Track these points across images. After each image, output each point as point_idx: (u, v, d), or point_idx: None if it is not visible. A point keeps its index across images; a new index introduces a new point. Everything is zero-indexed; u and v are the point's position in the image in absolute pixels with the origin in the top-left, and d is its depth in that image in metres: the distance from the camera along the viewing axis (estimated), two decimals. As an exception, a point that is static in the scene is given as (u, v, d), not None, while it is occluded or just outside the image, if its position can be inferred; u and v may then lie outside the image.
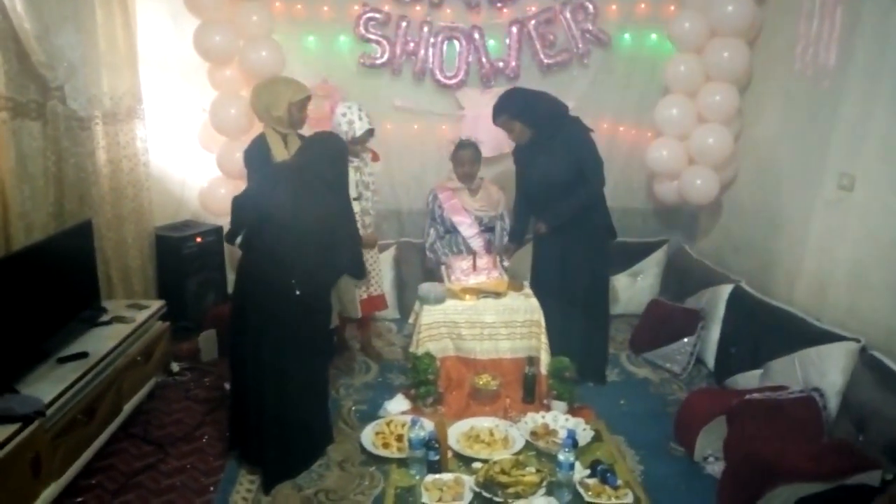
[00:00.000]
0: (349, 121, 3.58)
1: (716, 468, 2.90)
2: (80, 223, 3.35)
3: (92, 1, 3.57)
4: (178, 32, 4.15)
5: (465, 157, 4.00)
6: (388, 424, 3.17)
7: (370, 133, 3.65)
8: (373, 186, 3.77)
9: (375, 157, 3.85)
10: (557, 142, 3.55)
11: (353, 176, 3.69)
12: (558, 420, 3.22)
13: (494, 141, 4.28)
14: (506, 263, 3.77)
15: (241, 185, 4.14)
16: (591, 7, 4.38)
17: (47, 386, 2.62)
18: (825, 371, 2.97)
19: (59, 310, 3.03)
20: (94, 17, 3.59)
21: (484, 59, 4.43)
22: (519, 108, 3.58)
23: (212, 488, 2.82)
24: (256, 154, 3.49)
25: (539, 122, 3.57)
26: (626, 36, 4.51)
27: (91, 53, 3.56)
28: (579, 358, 3.55)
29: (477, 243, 4.04)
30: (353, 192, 3.71)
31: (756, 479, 2.52)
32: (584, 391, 3.61)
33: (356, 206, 3.74)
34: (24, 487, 2.37)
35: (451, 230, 4.08)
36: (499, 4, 4.38)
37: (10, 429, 2.30)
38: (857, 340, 2.94)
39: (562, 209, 3.59)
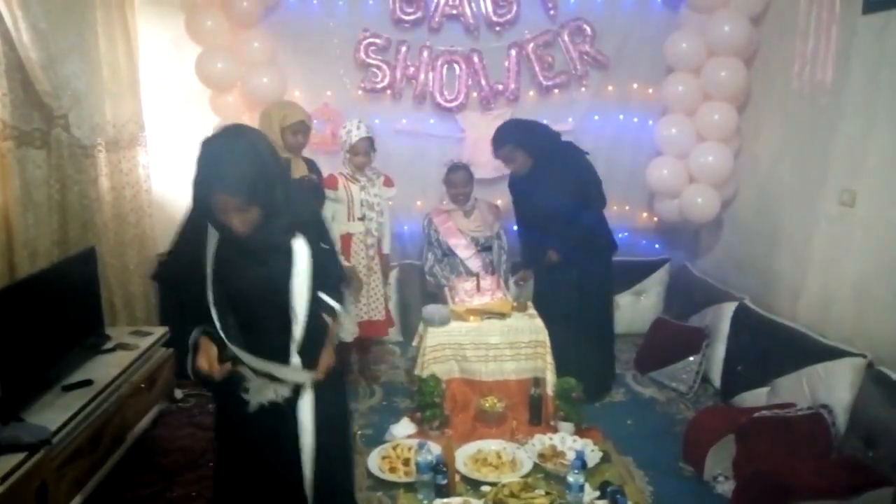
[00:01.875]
0: (348, 131, 3.68)
1: (726, 487, 2.87)
2: (83, 250, 3.35)
3: (95, 30, 3.61)
4: (180, 60, 4.19)
5: (457, 179, 4.02)
6: (394, 448, 3.15)
7: (367, 142, 3.68)
8: (378, 208, 3.79)
9: (388, 182, 3.88)
10: (557, 168, 3.60)
11: (357, 195, 3.72)
12: (566, 441, 3.20)
13: (495, 162, 4.29)
14: (522, 283, 3.88)
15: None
16: (588, 29, 4.43)
17: (53, 414, 2.60)
18: (832, 387, 2.96)
19: (64, 337, 3.02)
20: (98, 46, 3.63)
21: (483, 82, 4.47)
22: (522, 136, 3.63)
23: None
24: None
25: (540, 151, 3.62)
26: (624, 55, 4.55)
27: (94, 82, 3.59)
28: (588, 377, 3.56)
29: (475, 264, 4.04)
30: (357, 212, 3.74)
31: (767, 498, 2.51)
32: (591, 412, 3.59)
33: (360, 226, 3.76)
34: (30, 518, 2.35)
35: (449, 253, 4.08)
36: (497, 28, 4.43)
37: (17, 458, 2.28)
38: (864, 356, 2.93)
39: (571, 235, 3.62)
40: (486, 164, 4.25)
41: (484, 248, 4.12)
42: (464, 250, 4.06)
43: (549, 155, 3.63)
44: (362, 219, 3.75)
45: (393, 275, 4.57)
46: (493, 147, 3.73)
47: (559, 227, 3.63)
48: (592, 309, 3.74)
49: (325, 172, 3.83)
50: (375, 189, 3.78)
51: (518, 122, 3.79)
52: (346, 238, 3.77)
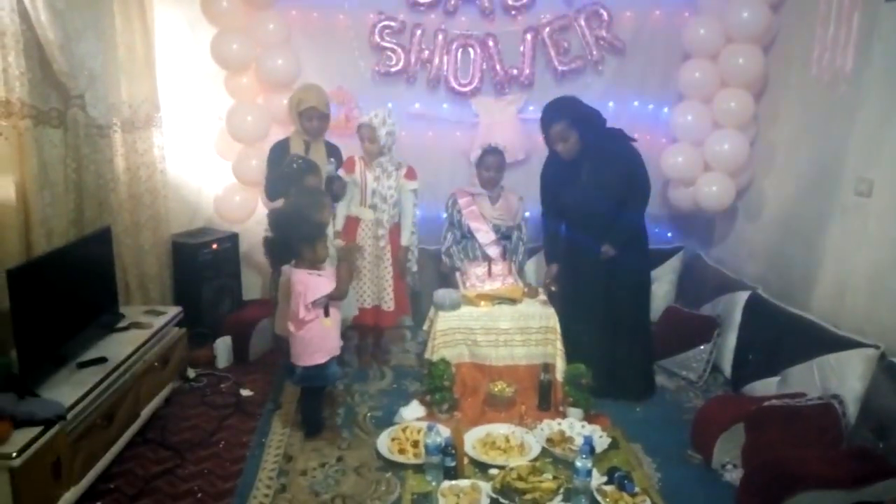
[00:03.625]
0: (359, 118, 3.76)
1: (734, 475, 2.88)
2: (99, 230, 3.39)
3: (111, 10, 3.63)
4: (196, 41, 4.20)
5: (492, 162, 3.99)
6: (403, 430, 3.17)
7: (367, 129, 3.66)
8: (392, 200, 3.74)
9: (411, 175, 3.82)
10: (606, 156, 3.43)
11: (370, 183, 3.73)
12: (574, 427, 3.22)
13: (509, 147, 4.28)
14: (553, 289, 3.73)
15: (256, 193, 4.22)
16: (605, 14, 4.39)
17: (67, 390, 2.64)
18: (844, 378, 2.95)
19: (79, 315, 3.06)
20: (114, 27, 3.65)
21: (498, 67, 4.44)
22: (579, 115, 3.42)
23: (229, 493, 2.83)
24: (275, 153, 3.75)
25: (591, 134, 3.41)
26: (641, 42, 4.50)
27: (110, 62, 3.61)
28: (625, 376, 3.58)
29: (493, 251, 4.02)
30: (367, 199, 3.74)
31: (775, 486, 2.51)
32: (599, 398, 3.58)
33: (369, 214, 3.75)
34: (45, 491, 2.39)
35: (468, 236, 4.08)
36: (513, 12, 4.40)
37: (32, 432, 2.32)
38: (877, 347, 2.91)
39: (623, 227, 3.48)
40: (500, 149, 4.24)
41: (504, 236, 4.11)
42: (484, 236, 4.04)
43: (599, 140, 3.40)
44: (373, 207, 3.75)
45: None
46: (544, 122, 3.46)
47: (605, 220, 3.45)
48: (629, 305, 3.60)
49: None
50: (391, 181, 3.73)
51: (574, 100, 3.49)
52: (354, 221, 3.80)
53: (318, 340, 3.11)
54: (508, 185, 4.19)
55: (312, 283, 3.05)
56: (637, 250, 3.61)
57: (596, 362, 3.45)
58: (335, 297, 3.11)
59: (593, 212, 3.48)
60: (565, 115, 3.40)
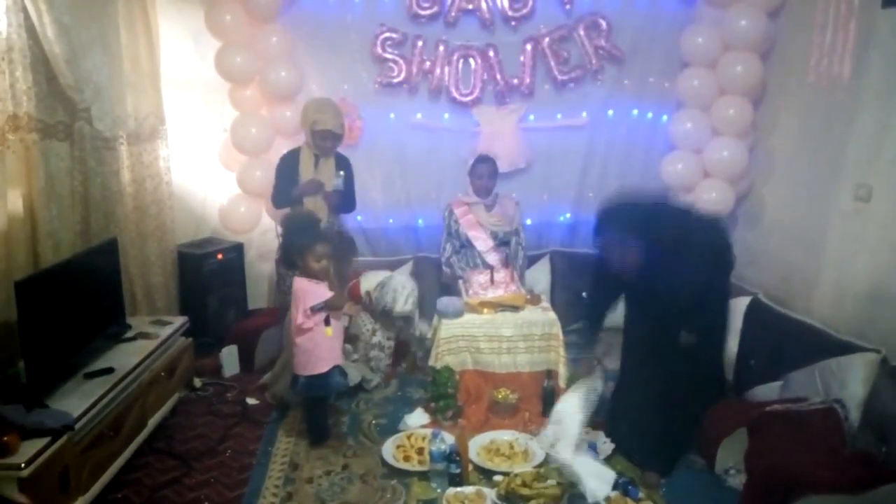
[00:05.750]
0: (394, 299, 3.81)
1: (737, 480, 2.88)
2: (105, 241, 3.42)
3: (117, 24, 3.68)
4: (200, 54, 4.24)
5: (483, 170, 4.04)
6: (408, 438, 3.19)
7: (399, 315, 3.85)
8: (389, 350, 3.97)
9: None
10: (683, 258, 2.76)
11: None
12: (578, 433, 3.22)
13: (510, 156, 4.33)
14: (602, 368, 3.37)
15: (260, 203, 4.26)
16: (604, 24, 4.43)
17: (75, 400, 2.66)
18: (846, 382, 2.95)
19: (86, 326, 3.08)
20: (119, 40, 3.69)
21: (499, 77, 4.48)
22: (634, 228, 2.78)
23: (236, 501, 2.85)
24: (285, 164, 3.84)
25: (659, 245, 2.77)
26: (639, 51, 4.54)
27: (116, 75, 3.65)
28: (664, 449, 3.01)
29: (492, 258, 4.06)
30: None
31: (778, 491, 2.52)
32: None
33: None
34: (53, 501, 2.40)
35: (467, 245, 4.11)
36: (513, 23, 4.44)
37: (40, 443, 2.34)
38: (878, 351, 2.92)
39: (705, 314, 2.91)
40: (501, 159, 4.26)
41: (502, 242, 4.14)
42: (482, 244, 4.07)
43: (672, 244, 2.72)
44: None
45: (407, 267, 4.58)
46: (597, 232, 2.87)
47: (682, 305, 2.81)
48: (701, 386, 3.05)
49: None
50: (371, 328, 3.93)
51: (628, 210, 2.81)
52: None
53: (319, 350, 3.14)
54: (507, 193, 4.22)
55: (311, 290, 3.10)
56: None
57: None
58: (332, 305, 3.14)
59: (668, 299, 2.81)
60: (616, 228, 2.75)
